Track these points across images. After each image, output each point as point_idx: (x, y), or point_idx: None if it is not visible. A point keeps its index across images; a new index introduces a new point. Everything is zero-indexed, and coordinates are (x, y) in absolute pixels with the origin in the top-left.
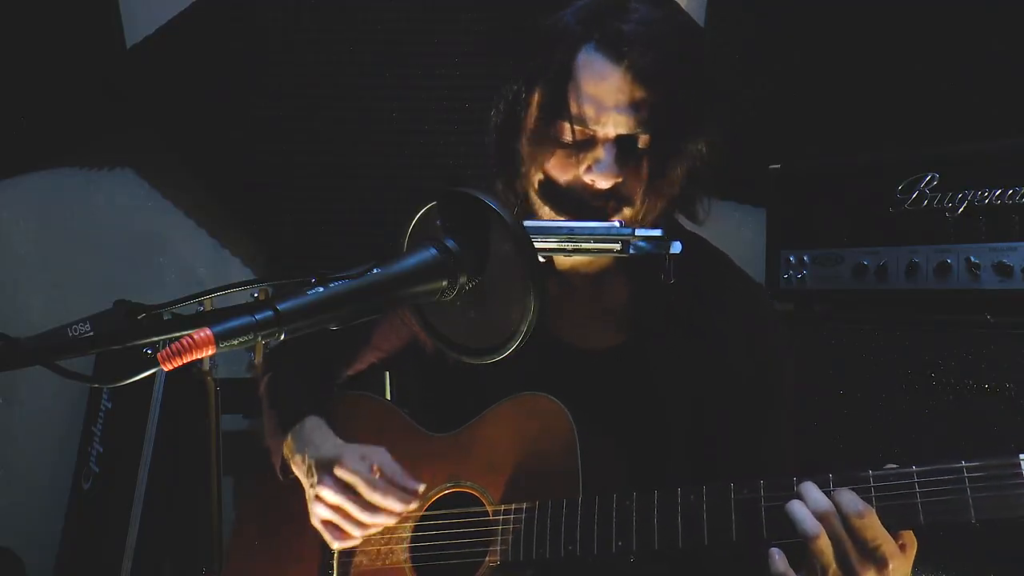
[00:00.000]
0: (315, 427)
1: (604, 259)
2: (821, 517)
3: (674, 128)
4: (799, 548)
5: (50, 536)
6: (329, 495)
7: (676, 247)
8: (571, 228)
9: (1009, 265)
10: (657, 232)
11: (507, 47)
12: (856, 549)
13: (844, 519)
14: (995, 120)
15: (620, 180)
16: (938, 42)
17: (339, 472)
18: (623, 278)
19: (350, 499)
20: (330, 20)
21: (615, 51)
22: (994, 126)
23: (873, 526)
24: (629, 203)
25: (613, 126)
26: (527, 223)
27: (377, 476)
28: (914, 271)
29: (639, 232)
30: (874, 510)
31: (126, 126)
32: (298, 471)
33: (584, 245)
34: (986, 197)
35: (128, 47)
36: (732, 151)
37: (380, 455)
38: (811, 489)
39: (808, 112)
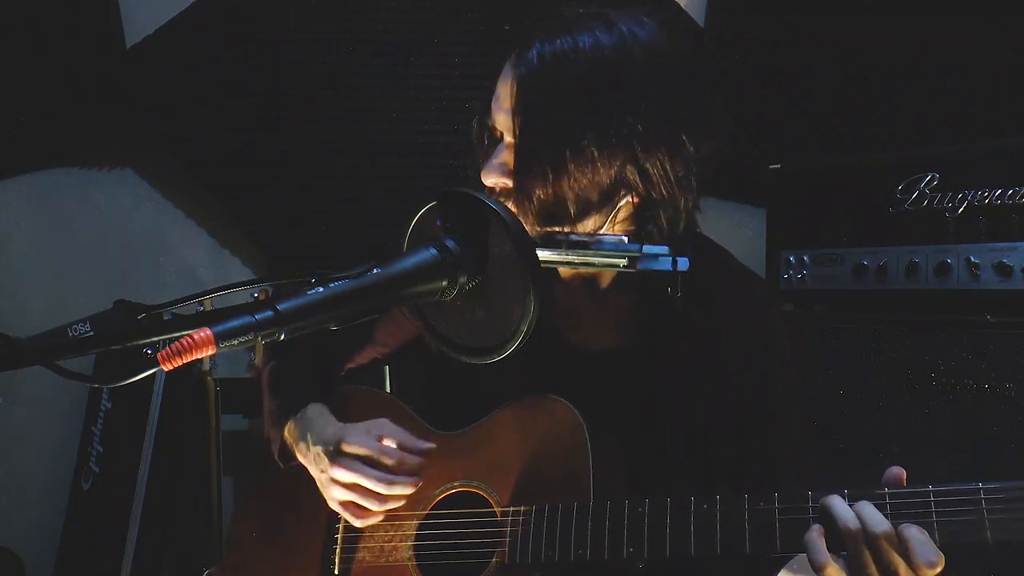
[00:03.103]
0: (318, 413)
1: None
2: (847, 535)
3: (528, 148)
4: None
5: (50, 536)
6: (343, 475)
7: (683, 264)
8: (578, 241)
9: (1009, 265)
10: (663, 249)
11: (507, 48)
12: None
13: (869, 538)
14: (995, 120)
15: (504, 183)
16: (938, 42)
17: (347, 448)
18: (629, 283)
19: (364, 474)
20: (330, 20)
21: (518, 60)
22: (994, 126)
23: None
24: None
25: (502, 127)
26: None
27: (386, 444)
28: (914, 271)
29: (646, 249)
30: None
31: (126, 126)
32: (303, 459)
33: (591, 259)
34: (986, 197)
35: (128, 47)
36: (732, 151)
37: (384, 426)
38: (840, 506)
39: (808, 112)
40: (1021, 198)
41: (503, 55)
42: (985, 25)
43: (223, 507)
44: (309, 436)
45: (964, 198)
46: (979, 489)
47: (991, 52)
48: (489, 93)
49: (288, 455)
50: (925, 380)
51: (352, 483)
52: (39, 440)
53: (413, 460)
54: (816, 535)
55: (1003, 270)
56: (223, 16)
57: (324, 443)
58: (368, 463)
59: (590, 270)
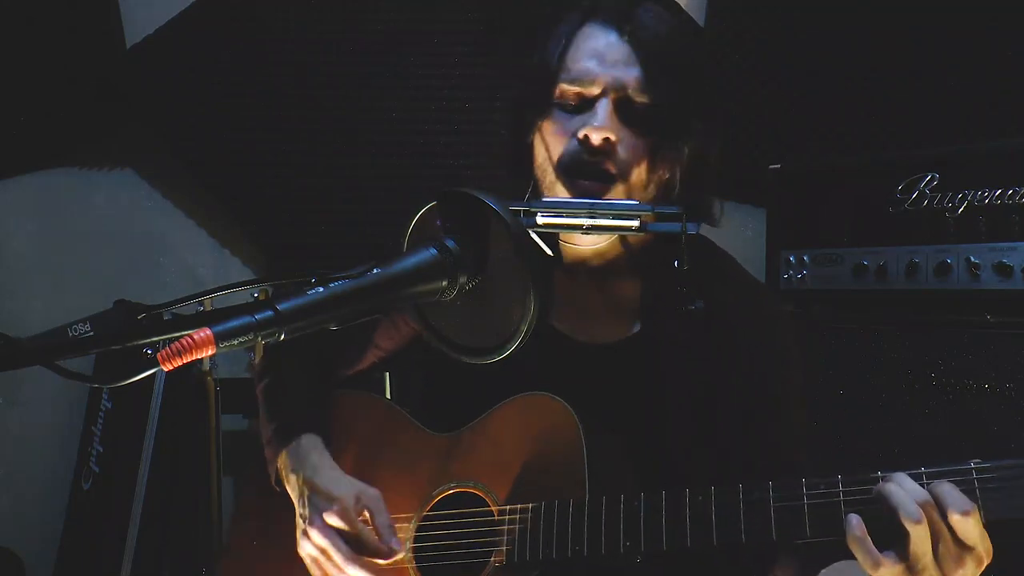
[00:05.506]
0: (312, 447)
1: (612, 252)
2: (921, 506)
3: (676, 104)
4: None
5: (50, 536)
6: (317, 536)
7: (693, 227)
8: (591, 204)
9: (1009, 265)
10: (675, 209)
11: (507, 47)
12: (955, 545)
13: (944, 514)
14: (995, 120)
15: (614, 138)
16: (938, 42)
17: (330, 519)
18: (630, 272)
19: (335, 546)
20: (330, 20)
21: (617, 25)
22: (994, 126)
23: (977, 525)
24: (624, 171)
25: (611, 84)
26: (546, 200)
27: (366, 525)
28: (914, 271)
29: (658, 209)
30: (977, 510)
31: (126, 126)
32: (291, 491)
33: (602, 222)
34: (986, 197)
35: (128, 47)
36: (732, 151)
37: (374, 502)
38: (906, 479)
39: (808, 112)
40: (1021, 198)
41: (503, 55)
42: (985, 25)
43: (223, 507)
44: (301, 470)
45: (964, 198)
46: (971, 468)
47: (991, 52)
48: (491, 92)
49: (280, 481)
50: (925, 380)
51: (321, 547)
52: (39, 440)
53: (382, 550)
54: (860, 533)
55: (1003, 270)
56: (223, 16)
57: (313, 490)
58: (343, 538)
59: (593, 248)
